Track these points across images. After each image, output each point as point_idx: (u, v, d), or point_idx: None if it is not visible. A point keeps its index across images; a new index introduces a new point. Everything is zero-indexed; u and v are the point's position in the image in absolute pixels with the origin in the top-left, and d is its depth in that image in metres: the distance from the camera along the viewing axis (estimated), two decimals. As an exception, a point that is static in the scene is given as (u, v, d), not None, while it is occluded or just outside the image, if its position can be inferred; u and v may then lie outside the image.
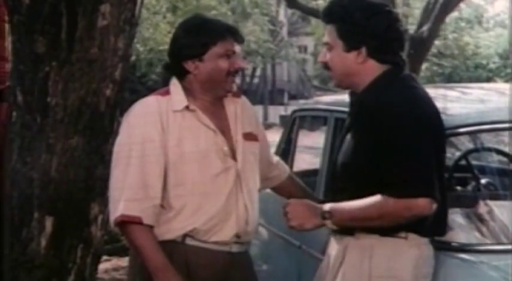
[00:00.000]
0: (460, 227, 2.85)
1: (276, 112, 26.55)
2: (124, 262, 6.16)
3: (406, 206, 2.37)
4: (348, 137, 2.56)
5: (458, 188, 3.44)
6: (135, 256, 2.74)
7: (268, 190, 3.09)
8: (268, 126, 21.46)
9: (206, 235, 2.65)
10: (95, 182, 3.53)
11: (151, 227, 2.61)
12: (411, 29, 13.30)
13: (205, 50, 2.66)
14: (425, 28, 12.24)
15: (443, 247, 2.63)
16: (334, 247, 2.60)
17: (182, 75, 2.71)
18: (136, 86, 18.78)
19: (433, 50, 17.78)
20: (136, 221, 2.57)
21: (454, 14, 18.57)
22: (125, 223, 2.59)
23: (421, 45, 12.17)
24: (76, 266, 3.57)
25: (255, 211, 2.74)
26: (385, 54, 2.54)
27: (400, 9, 13.51)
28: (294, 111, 4.55)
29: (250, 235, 2.76)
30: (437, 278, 2.57)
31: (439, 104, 2.58)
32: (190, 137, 2.65)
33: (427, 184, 2.38)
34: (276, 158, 3.10)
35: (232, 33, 2.72)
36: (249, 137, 2.78)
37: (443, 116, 2.56)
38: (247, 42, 24.02)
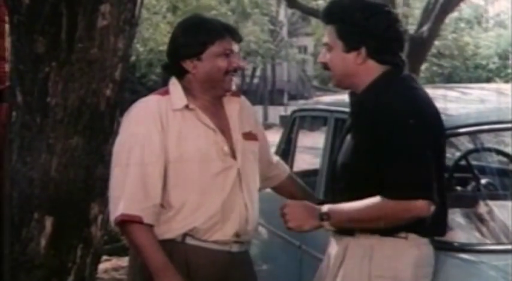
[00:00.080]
0: (460, 227, 2.85)
1: (276, 112, 26.55)
2: (124, 261, 6.16)
3: (404, 208, 2.37)
4: (348, 137, 2.56)
5: (458, 188, 3.43)
6: (135, 255, 2.73)
7: (268, 190, 3.09)
8: (268, 126, 21.46)
9: (206, 234, 2.65)
10: (95, 182, 3.53)
11: (151, 226, 2.61)
12: (411, 29, 13.31)
13: (204, 49, 2.67)
14: (425, 28, 12.25)
15: (443, 247, 2.63)
16: (334, 247, 2.60)
17: (181, 74, 2.72)
18: (136, 86, 18.80)
19: (433, 50, 17.77)
20: (137, 221, 2.57)
21: (454, 14, 18.57)
22: (125, 222, 2.59)
23: (421, 45, 12.17)
24: (76, 266, 3.57)
25: (255, 210, 2.74)
26: (384, 54, 2.53)
27: (400, 9, 13.53)
28: (294, 112, 4.55)
29: (250, 234, 2.76)
30: (437, 278, 2.57)
31: (439, 105, 2.58)
32: (190, 137, 2.65)
33: (426, 186, 2.38)
34: (276, 158, 3.10)
35: (230, 32, 2.72)
36: (249, 136, 2.79)
37: (443, 117, 2.56)
38: (247, 42, 24.07)
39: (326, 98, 4.64)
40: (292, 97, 31.53)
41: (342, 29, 2.53)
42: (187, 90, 2.71)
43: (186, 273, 2.62)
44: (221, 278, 2.69)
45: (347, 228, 2.51)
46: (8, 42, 3.68)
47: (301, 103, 10.94)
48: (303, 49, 33.71)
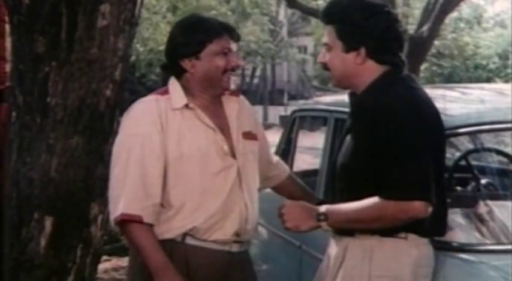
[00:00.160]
0: (459, 227, 2.85)
1: (275, 112, 26.58)
2: (124, 262, 6.16)
3: (401, 208, 2.37)
4: (348, 138, 2.56)
5: (458, 188, 3.43)
6: (134, 255, 2.73)
7: (268, 190, 3.09)
8: (268, 126, 21.47)
9: (206, 233, 2.65)
10: (95, 182, 3.53)
11: (151, 226, 2.61)
12: (411, 29, 13.31)
13: (202, 48, 2.67)
14: (425, 28, 12.25)
15: (443, 247, 2.63)
16: (334, 247, 2.60)
17: (180, 74, 2.72)
18: (136, 86, 18.80)
19: (432, 50, 17.78)
20: (137, 220, 2.57)
21: (453, 14, 18.57)
22: (125, 221, 2.59)
23: (421, 45, 12.18)
24: (76, 266, 3.57)
25: (254, 209, 2.74)
26: (384, 54, 2.53)
27: (400, 9, 13.53)
28: (294, 112, 4.56)
29: (250, 233, 2.76)
30: (437, 278, 2.57)
31: (438, 105, 2.58)
32: (190, 136, 2.65)
33: (424, 187, 2.38)
34: (275, 158, 3.10)
35: (228, 31, 2.73)
36: (249, 136, 2.79)
37: (443, 117, 2.56)
38: (247, 42, 24.10)
39: (326, 98, 4.64)
40: (292, 97, 31.55)
41: (342, 29, 2.53)
42: (186, 90, 2.71)
43: (186, 273, 2.62)
44: (221, 278, 2.69)
45: (346, 228, 2.51)
46: (8, 42, 3.68)
47: (301, 103, 10.94)
48: (303, 49, 33.71)
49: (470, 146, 3.75)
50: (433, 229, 2.51)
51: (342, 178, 2.56)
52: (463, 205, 2.98)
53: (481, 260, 2.65)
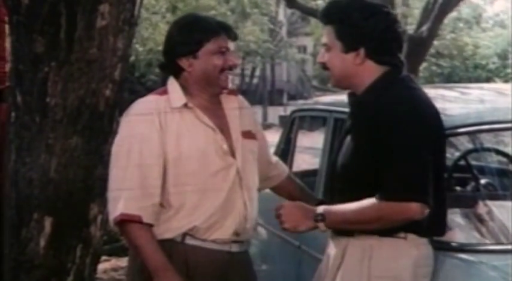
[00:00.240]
0: (459, 227, 2.85)
1: (275, 112, 26.55)
2: (123, 262, 6.16)
3: (398, 210, 2.37)
4: (348, 138, 2.56)
5: (458, 188, 3.43)
6: (134, 256, 2.73)
7: (267, 190, 3.09)
8: (267, 126, 21.46)
9: (206, 233, 2.65)
10: (94, 182, 3.52)
11: (150, 226, 2.61)
12: (410, 29, 13.32)
13: (199, 47, 2.68)
14: (424, 28, 12.26)
15: (442, 247, 2.63)
16: (333, 248, 2.60)
17: (177, 73, 2.72)
18: (135, 86, 18.80)
19: (431, 50, 17.79)
20: (136, 220, 2.57)
21: (453, 14, 18.57)
22: (125, 221, 2.59)
23: (421, 45, 12.18)
24: (75, 266, 3.56)
25: (254, 208, 2.75)
26: (383, 55, 2.53)
27: (399, 9, 13.54)
28: (293, 112, 4.55)
29: (249, 233, 2.76)
30: (437, 278, 2.57)
31: (438, 105, 2.58)
32: (189, 135, 2.65)
33: (421, 189, 2.38)
34: (275, 158, 3.10)
35: (225, 30, 2.73)
36: (248, 135, 2.79)
37: (442, 117, 2.56)
38: (246, 42, 24.09)
39: (325, 98, 4.64)
40: (292, 97, 31.56)
41: (341, 30, 2.53)
42: (185, 90, 2.71)
43: (185, 273, 2.62)
44: (221, 278, 2.69)
45: (345, 229, 2.51)
46: (8, 42, 3.68)
47: (300, 103, 10.95)
48: (303, 49, 33.71)
49: (470, 146, 3.75)
50: (432, 228, 2.51)
51: (342, 179, 2.56)
52: (462, 205, 2.98)
53: (480, 260, 2.64)
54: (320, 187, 3.53)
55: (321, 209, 2.49)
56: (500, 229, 2.82)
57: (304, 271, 3.55)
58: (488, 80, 24.66)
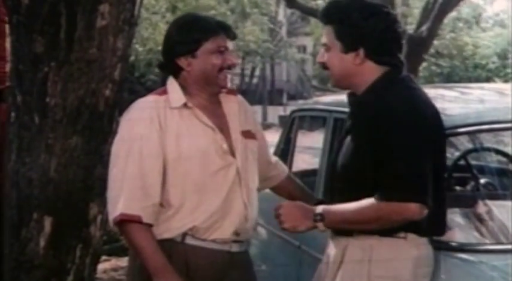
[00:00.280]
0: (459, 227, 2.85)
1: (275, 112, 26.56)
2: (123, 262, 6.16)
3: (396, 210, 2.37)
4: (348, 138, 2.55)
5: (458, 188, 3.43)
6: (134, 256, 2.73)
7: (267, 190, 3.09)
8: (267, 126, 21.47)
9: (206, 233, 2.65)
10: (94, 182, 3.52)
11: (150, 226, 2.61)
12: (410, 28, 13.32)
13: (198, 46, 2.68)
14: (424, 28, 12.26)
15: (442, 247, 2.63)
16: (333, 248, 2.60)
17: (176, 72, 2.73)
18: (135, 86, 18.80)
19: (431, 50, 17.79)
20: (136, 220, 2.57)
21: (452, 14, 18.57)
22: (124, 222, 2.59)
23: (420, 45, 12.18)
24: (75, 266, 3.56)
25: (254, 208, 2.75)
26: (382, 55, 2.53)
27: (399, 9, 13.55)
28: (293, 112, 4.55)
29: (249, 232, 2.76)
30: (437, 278, 2.57)
31: (438, 104, 2.58)
32: (189, 135, 2.65)
33: (420, 189, 2.37)
34: (274, 158, 3.10)
35: (224, 30, 2.73)
36: (248, 135, 2.79)
37: (442, 116, 2.56)
38: (246, 42, 24.08)
39: (325, 98, 4.64)
40: (292, 97, 31.55)
41: (340, 30, 2.53)
42: (185, 89, 2.72)
43: (185, 273, 2.62)
44: (221, 278, 2.69)
45: (344, 229, 2.51)
46: (8, 42, 3.68)
47: (300, 103, 10.95)
48: (302, 49, 33.69)
49: (470, 146, 3.74)
50: (432, 228, 2.51)
51: (342, 179, 2.56)
52: (462, 205, 2.98)
53: (480, 260, 2.64)
54: (320, 187, 3.53)
55: (320, 209, 2.49)
56: (500, 228, 2.82)
57: (304, 271, 3.55)
58: (488, 79, 24.65)
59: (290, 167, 3.96)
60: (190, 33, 2.70)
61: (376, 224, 2.42)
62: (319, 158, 3.79)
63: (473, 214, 2.92)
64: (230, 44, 2.75)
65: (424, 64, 21.42)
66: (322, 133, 3.86)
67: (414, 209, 2.36)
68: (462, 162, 3.57)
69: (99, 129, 3.52)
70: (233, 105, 2.79)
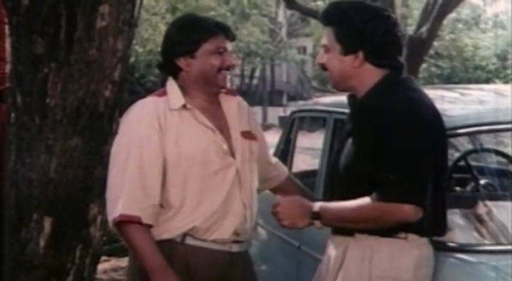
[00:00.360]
0: (459, 227, 2.85)
1: (275, 113, 26.57)
2: (123, 262, 6.16)
3: (390, 210, 2.37)
4: (349, 140, 2.55)
5: (458, 188, 3.44)
6: (134, 256, 2.73)
7: (267, 191, 3.09)
8: (267, 127, 21.47)
9: (206, 233, 2.65)
10: (94, 182, 3.53)
11: (149, 227, 2.61)
12: (410, 30, 13.32)
13: (197, 47, 2.68)
14: (424, 29, 12.26)
15: (442, 248, 2.63)
16: (333, 248, 2.60)
17: (175, 73, 2.73)
18: (135, 87, 18.81)
19: (431, 51, 17.79)
20: (135, 221, 2.57)
21: (452, 15, 18.58)
22: (123, 222, 2.59)
23: (420, 46, 12.18)
24: (75, 267, 3.57)
25: (253, 208, 2.75)
26: (382, 58, 2.53)
27: (399, 10, 13.54)
28: (293, 113, 4.56)
29: (249, 232, 2.76)
30: (437, 278, 2.57)
31: (438, 106, 2.58)
32: (189, 136, 2.66)
33: (416, 191, 2.37)
34: (274, 159, 3.10)
35: (223, 30, 2.74)
36: (248, 135, 2.79)
37: (442, 117, 2.56)
38: (246, 43, 24.09)
39: (325, 99, 4.64)
40: (292, 98, 31.54)
41: (340, 32, 2.53)
42: (184, 90, 2.72)
43: (185, 273, 2.62)
44: (221, 278, 2.69)
45: (344, 228, 2.51)
46: (8, 43, 3.68)
47: (300, 104, 10.94)
48: (302, 50, 33.68)
49: (470, 147, 3.75)
50: (432, 229, 2.51)
51: (344, 180, 2.56)
52: (462, 206, 2.98)
53: (480, 261, 2.65)
54: (320, 188, 3.54)
55: (317, 206, 2.50)
56: (500, 229, 2.83)
57: (304, 271, 3.55)
58: (488, 81, 24.65)
59: (290, 167, 3.96)
60: (189, 33, 2.70)
61: (373, 224, 2.42)
62: (319, 159, 3.79)
63: (473, 215, 2.92)
64: (229, 45, 2.75)
65: (424, 65, 21.41)
66: (322, 134, 3.86)
67: (408, 211, 2.35)
68: (462, 163, 3.58)
69: (99, 130, 3.53)
70: (233, 106, 2.79)
